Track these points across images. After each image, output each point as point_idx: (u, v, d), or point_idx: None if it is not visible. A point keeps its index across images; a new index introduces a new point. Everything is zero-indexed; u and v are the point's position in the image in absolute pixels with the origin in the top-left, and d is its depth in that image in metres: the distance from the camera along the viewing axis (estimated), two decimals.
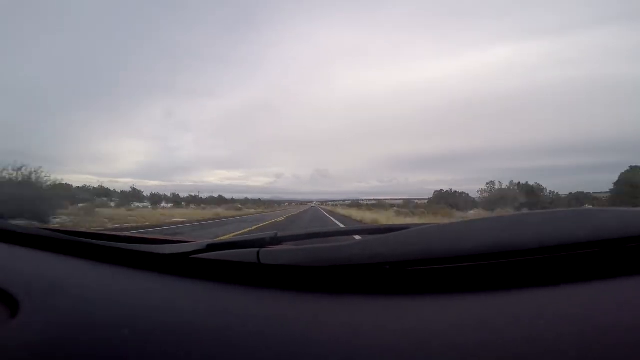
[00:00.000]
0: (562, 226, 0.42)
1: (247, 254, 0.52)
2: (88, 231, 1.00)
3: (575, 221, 0.43)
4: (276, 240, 0.62)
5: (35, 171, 13.91)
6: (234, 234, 7.83)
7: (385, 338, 0.34)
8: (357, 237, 0.62)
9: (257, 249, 0.51)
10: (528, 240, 0.40)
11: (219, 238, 0.69)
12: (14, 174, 13.53)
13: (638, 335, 0.29)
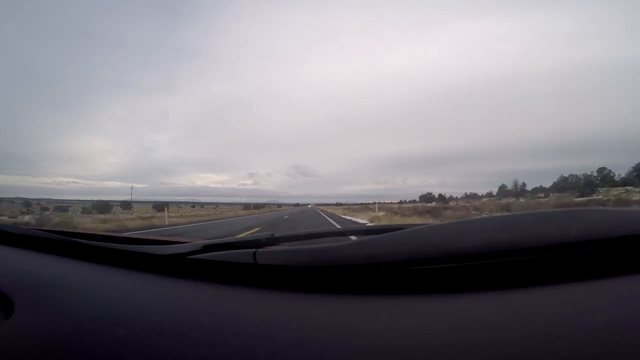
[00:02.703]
0: (556, 226, 0.42)
1: (243, 255, 0.52)
2: (83, 232, 0.99)
3: (568, 221, 0.44)
4: (273, 241, 0.62)
5: None
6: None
7: (381, 338, 0.34)
8: (354, 238, 0.63)
9: (253, 250, 0.51)
10: (522, 240, 0.40)
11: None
12: None
13: (631, 334, 0.29)
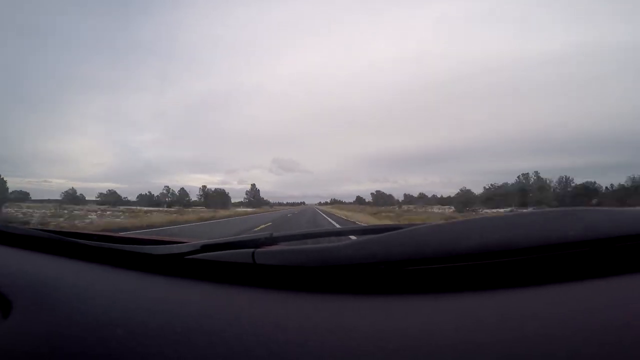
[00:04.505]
0: (553, 226, 0.43)
1: (242, 255, 0.52)
2: (82, 232, 0.99)
3: (565, 221, 0.44)
4: (271, 241, 0.62)
5: None
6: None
7: (379, 337, 0.34)
8: (353, 237, 0.63)
9: (252, 250, 0.51)
10: (520, 240, 0.40)
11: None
12: None
13: (628, 334, 0.29)
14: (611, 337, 0.29)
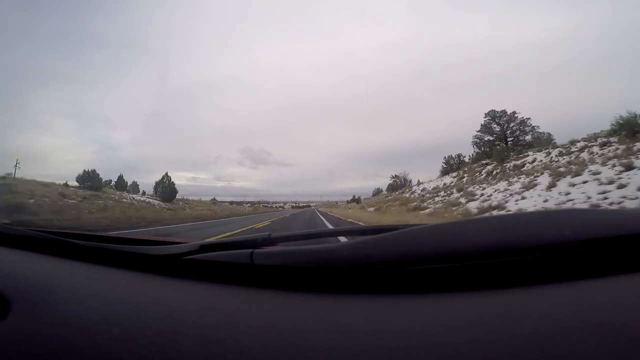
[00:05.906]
0: (550, 226, 0.43)
1: (240, 255, 0.52)
2: (80, 232, 0.99)
3: (563, 221, 0.44)
4: (269, 241, 0.62)
5: None
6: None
7: (377, 337, 0.34)
8: (351, 238, 0.62)
9: (250, 250, 0.51)
10: (517, 240, 0.41)
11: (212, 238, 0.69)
12: None
13: (624, 334, 0.30)
14: (607, 338, 0.29)
